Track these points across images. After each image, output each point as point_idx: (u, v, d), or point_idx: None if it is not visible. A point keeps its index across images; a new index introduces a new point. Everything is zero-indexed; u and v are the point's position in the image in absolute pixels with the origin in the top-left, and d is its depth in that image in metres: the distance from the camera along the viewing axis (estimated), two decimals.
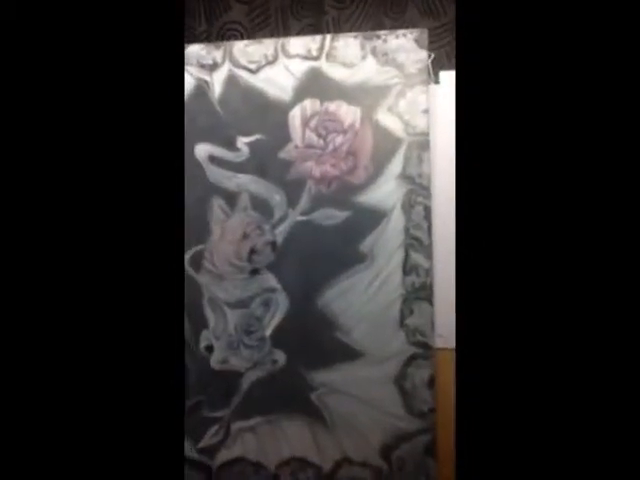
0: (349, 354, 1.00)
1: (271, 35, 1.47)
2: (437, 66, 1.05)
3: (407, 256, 0.99)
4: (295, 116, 1.01)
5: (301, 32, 1.45)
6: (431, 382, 1.00)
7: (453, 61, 1.31)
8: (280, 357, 1.02)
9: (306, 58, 1.02)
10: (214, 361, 1.04)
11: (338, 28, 1.44)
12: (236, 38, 1.47)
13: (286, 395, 1.02)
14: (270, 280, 1.02)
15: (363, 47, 1.01)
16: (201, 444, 1.04)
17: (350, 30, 1.42)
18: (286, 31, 1.47)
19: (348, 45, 1.01)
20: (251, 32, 1.48)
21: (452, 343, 1.00)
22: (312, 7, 1.46)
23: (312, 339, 1.01)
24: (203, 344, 1.04)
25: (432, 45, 1.20)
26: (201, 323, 1.04)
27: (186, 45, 1.07)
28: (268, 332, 1.03)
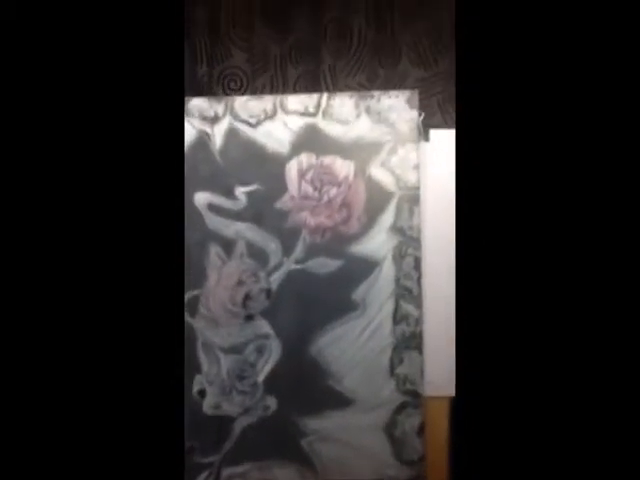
0: (340, 401, 1.02)
1: (270, 81, 1.53)
2: (428, 123, 1.11)
3: (397, 305, 1.02)
4: (292, 168, 1.06)
5: (299, 79, 1.52)
6: (421, 430, 1.01)
7: (444, 111, 1.38)
8: (272, 403, 1.03)
9: (304, 114, 1.07)
10: (206, 406, 1.05)
11: (334, 76, 1.50)
12: (236, 83, 1.53)
13: (277, 441, 1.02)
14: (264, 326, 1.04)
15: (357, 106, 1.07)
16: None
17: (345, 78, 1.49)
18: (284, 78, 1.54)
19: (343, 104, 1.07)
20: (251, 77, 1.54)
21: (442, 391, 1.02)
22: (310, 56, 1.53)
23: (304, 386, 1.03)
24: (196, 388, 1.05)
25: (424, 94, 1.26)
26: (194, 367, 1.05)
27: (189, 98, 1.12)
28: (261, 378, 1.04)
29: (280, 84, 1.53)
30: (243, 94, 1.45)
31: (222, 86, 1.55)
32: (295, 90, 1.47)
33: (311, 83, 1.51)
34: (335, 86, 1.44)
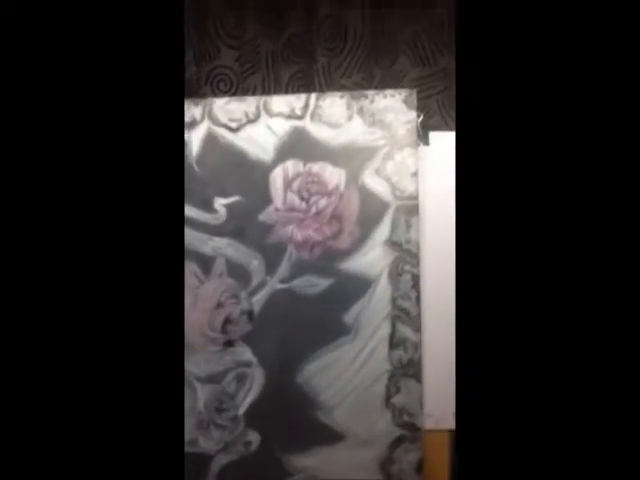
0: (330, 436, 0.92)
1: (262, 81, 1.44)
2: (427, 126, 1.01)
3: (394, 329, 0.92)
4: (277, 177, 0.96)
5: (292, 79, 1.43)
6: (419, 467, 0.91)
7: (444, 113, 1.28)
8: (254, 438, 0.93)
9: (290, 117, 0.98)
10: None
11: (328, 76, 1.41)
12: (225, 83, 1.44)
13: None
14: (245, 353, 0.94)
15: (349, 107, 0.97)
16: None
17: (340, 78, 1.40)
18: (276, 78, 1.45)
19: (334, 104, 0.97)
20: (241, 77, 1.45)
21: (442, 424, 0.92)
22: (302, 54, 1.44)
23: (290, 419, 0.93)
24: None
25: (423, 94, 1.17)
26: None
27: None
28: (242, 410, 0.94)
29: (272, 84, 1.44)
30: (234, 94, 1.37)
31: (211, 87, 1.46)
32: (287, 91, 1.39)
33: (305, 83, 1.42)
34: (330, 86, 1.35)
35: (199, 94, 1.40)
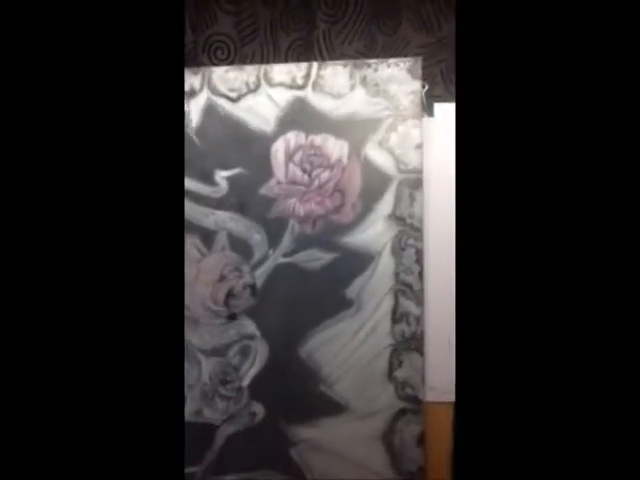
0: (333, 408, 0.93)
1: (260, 49, 1.40)
2: (432, 95, 0.98)
3: (397, 303, 0.92)
4: (278, 149, 0.94)
5: (291, 47, 1.39)
6: (421, 439, 0.93)
7: (448, 82, 1.24)
8: (258, 410, 0.95)
9: (291, 87, 0.95)
10: (186, 412, 0.96)
11: (329, 43, 1.37)
12: (222, 51, 1.40)
13: (264, 451, 0.94)
14: (249, 326, 0.95)
15: (352, 76, 0.94)
16: None
17: (342, 45, 1.36)
18: (275, 45, 1.40)
19: (336, 74, 0.94)
20: (239, 44, 1.41)
21: (444, 397, 0.93)
22: (303, 20, 1.39)
23: (293, 391, 0.94)
24: None
25: (427, 62, 1.14)
26: None
27: None
28: (246, 382, 0.95)
29: (271, 52, 1.40)
30: (231, 64, 1.33)
31: (208, 55, 1.42)
32: (287, 59, 1.34)
33: (304, 51, 1.38)
34: (331, 54, 1.30)
35: (196, 62, 1.36)
